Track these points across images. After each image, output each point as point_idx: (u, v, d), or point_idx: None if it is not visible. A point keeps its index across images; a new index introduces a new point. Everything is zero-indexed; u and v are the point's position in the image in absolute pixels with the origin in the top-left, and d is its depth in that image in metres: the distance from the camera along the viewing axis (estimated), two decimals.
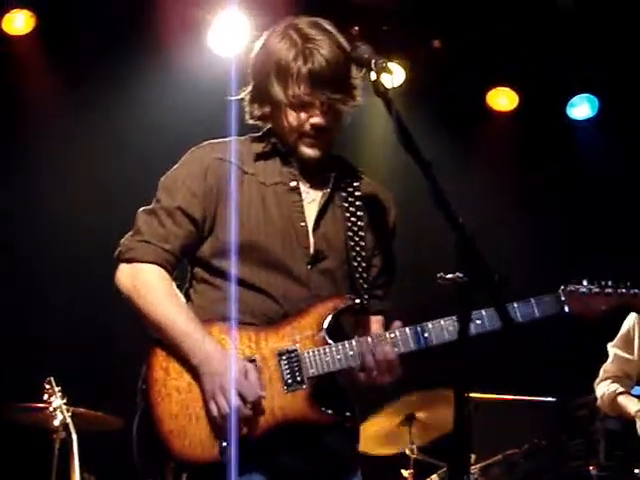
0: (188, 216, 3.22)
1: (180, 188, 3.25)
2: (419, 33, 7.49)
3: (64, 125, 7.05)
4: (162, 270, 3.19)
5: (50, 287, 6.87)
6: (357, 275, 3.25)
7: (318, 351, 3.11)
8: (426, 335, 3.15)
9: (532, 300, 3.22)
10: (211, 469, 3.01)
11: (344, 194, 3.33)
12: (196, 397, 3.07)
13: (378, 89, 3.00)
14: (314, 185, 3.32)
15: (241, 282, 3.17)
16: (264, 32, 3.35)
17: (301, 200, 3.27)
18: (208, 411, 3.04)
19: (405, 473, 6.10)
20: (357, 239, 3.28)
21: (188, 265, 3.32)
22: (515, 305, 3.19)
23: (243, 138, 3.38)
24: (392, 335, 3.16)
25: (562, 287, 3.26)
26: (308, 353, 3.11)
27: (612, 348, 5.94)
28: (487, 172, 7.93)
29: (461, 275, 2.64)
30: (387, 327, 3.28)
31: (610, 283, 3.28)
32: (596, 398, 5.99)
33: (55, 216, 6.96)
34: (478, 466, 6.09)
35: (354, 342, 3.13)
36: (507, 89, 7.94)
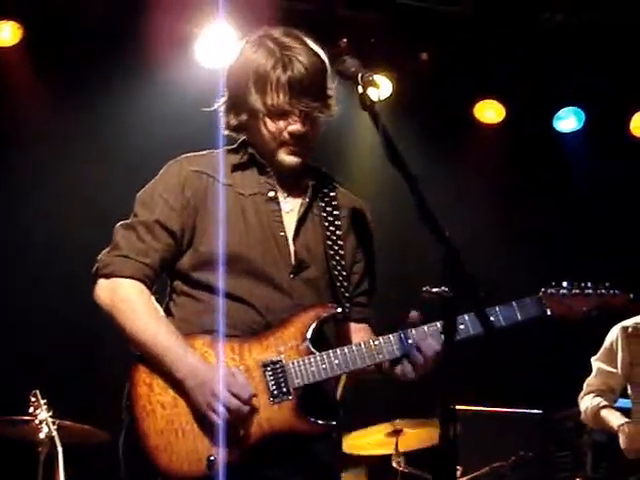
0: (167, 229, 3.21)
1: (158, 202, 3.23)
2: (406, 45, 7.52)
3: (51, 136, 7.04)
4: (141, 285, 3.17)
5: (35, 300, 6.84)
6: (338, 284, 3.25)
7: (303, 361, 3.10)
8: (410, 341, 3.15)
9: (514, 303, 3.22)
10: None
11: (322, 203, 3.33)
12: (182, 412, 3.05)
13: (365, 103, 2.99)
14: (292, 194, 3.31)
15: (224, 294, 3.16)
16: (238, 42, 3.37)
17: (280, 210, 3.26)
18: (198, 424, 3.03)
19: None
20: (336, 248, 3.27)
21: (167, 279, 3.30)
22: (497, 309, 3.18)
23: (219, 151, 3.36)
24: (376, 343, 3.15)
25: (542, 290, 3.27)
26: (293, 363, 3.10)
27: (595, 362, 5.94)
28: (474, 184, 7.95)
29: (447, 289, 2.65)
30: (376, 333, 3.31)
31: (590, 284, 3.30)
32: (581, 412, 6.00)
33: (39, 229, 6.94)
34: (465, 479, 6.10)
35: (339, 351, 3.12)
36: (494, 101, 7.97)
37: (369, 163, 7.26)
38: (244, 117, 3.26)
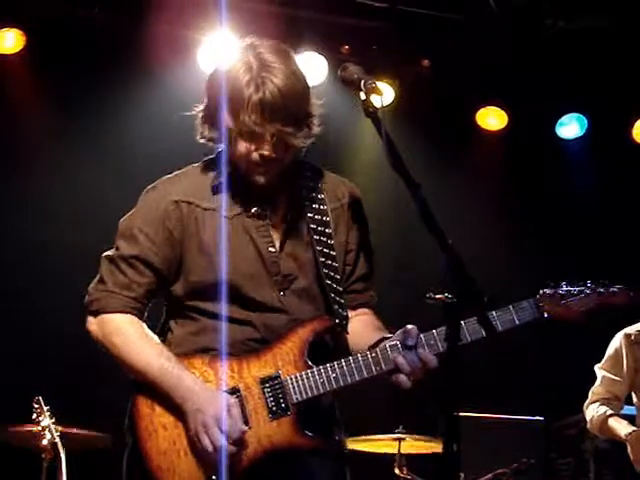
0: (148, 265, 3.19)
1: (137, 236, 3.20)
2: (408, 52, 7.53)
3: (53, 143, 7.05)
4: (130, 316, 3.18)
5: (39, 306, 6.84)
6: (329, 289, 3.21)
7: (301, 376, 3.09)
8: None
9: (511, 307, 3.17)
10: None
11: (307, 203, 3.27)
12: (183, 433, 3.07)
13: (367, 110, 2.99)
14: (275, 205, 3.26)
15: (218, 316, 3.16)
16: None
17: (266, 224, 3.22)
18: (194, 446, 3.04)
19: None
20: (326, 250, 3.24)
21: (163, 299, 3.30)
22: (494, 314, 3.14)
23: (197, 167, 3.32)
24: (374, 355, 3.12)
25: (540, 292, 3.23)
26: (291, 379, 3.10)
27: (600, 370, 5.93)
28: (477, 191, 7.95)
29: (449, 295, 2.65)
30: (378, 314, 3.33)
31: (589, 283, 3.24)
32: (584, 418, 5.99)
33: (44, 234, 6.95)
34: None
35: (336, 364, 3.11)
36: (496, 108, 7.97)
37: (372, 169, 7.26)
38: (217, 131, 3.19)
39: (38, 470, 5.53)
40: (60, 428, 5.50)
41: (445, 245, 2.71)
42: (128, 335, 3.15)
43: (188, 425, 3.04)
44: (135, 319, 3.18)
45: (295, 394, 3.08)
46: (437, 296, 2.88)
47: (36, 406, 5.51)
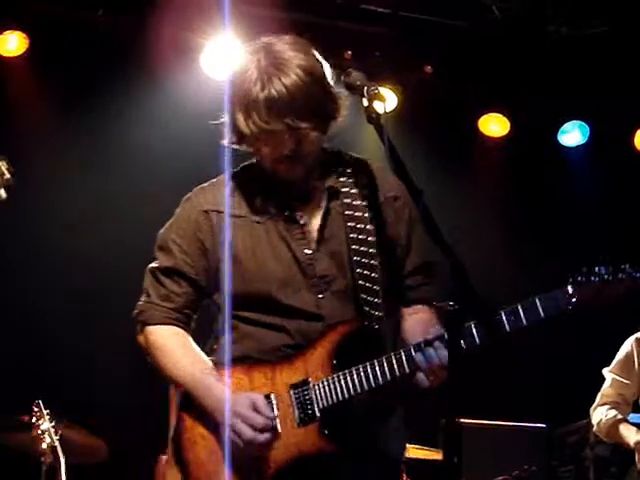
0: (182, 275, 3.22)
1: (172, 248, 3.24)
2: (411, 59, 7.53)
3: (56, 145, 7.06)
4: (172, 327, 3.23)
5: (38, 308, 6.84)
6: (361, 289, 3.13)
7: (327, 381, 3.05)
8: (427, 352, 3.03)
9: (536, 299, 2.98)
10: None
11: (346, 199, 3.21)
12: (221, 441, 3.08)
13: (370, 116, 2.98)
14: (310, 204, 3.22)
15: (255, 322, 3.16)
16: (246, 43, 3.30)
17: (300, 226, 3.18)
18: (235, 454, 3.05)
19: None
20: (364, 248, 3.16)
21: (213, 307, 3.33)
22: (519, 307, 2.97)
23: (234, 173, 3.30)
24: (398, 356, 3.03)
25: (571, 278, 3.05)
26: (318, 385, 3.06)
27: (609, 373, 5.93)
28: (478, 197, 7.95)
29: (452, 303, 2.64)
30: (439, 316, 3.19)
31: (626, 267, 3.05)
32: (586, 425, 5.99)
33: (44, 235, 6.95)
34: None
35: (361, 368, 3.04)
36: (499, 115, 7.97)
37: None
38: (236, 137, 3.18)
39: (37, 474, 5.52)
40: (59, 432, 5.50)
41: (447, 250, 2.70)
42: (166, 346, 3.20)
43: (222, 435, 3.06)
44: (176, 330, 3.22)
45: (321, 400, 3.05)
46: (439, 304, 2.89)
47: (36, 409, 5.50)
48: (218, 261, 3.18)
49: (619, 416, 5.76)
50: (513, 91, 7.73)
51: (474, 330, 2.96)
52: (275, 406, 3.07)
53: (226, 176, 3.27)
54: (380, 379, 3.03)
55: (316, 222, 3.20)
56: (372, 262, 3.16)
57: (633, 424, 5.78)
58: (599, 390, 5.95)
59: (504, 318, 2.95)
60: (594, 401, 5.94)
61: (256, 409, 3.02)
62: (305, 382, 3.06)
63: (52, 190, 7.05)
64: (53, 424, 5.48)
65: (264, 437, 3.01)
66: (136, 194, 7.06)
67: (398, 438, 3.24)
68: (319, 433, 3.03)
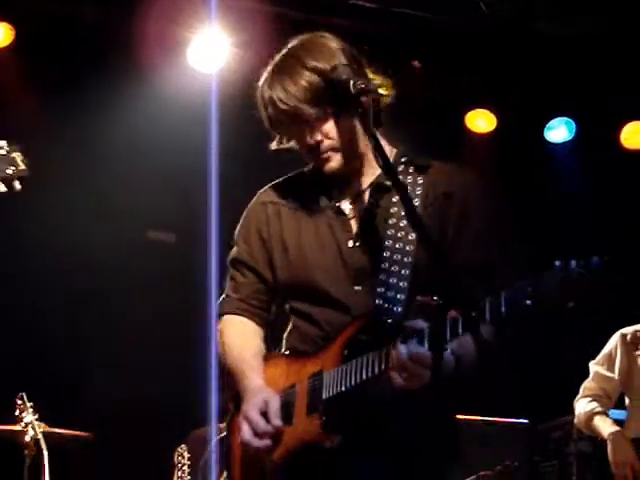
0: (246, 265, 3.35)
1: (238, 240, 3.40)
2: (398, 54, 7.52)
3: (42, 138, 7.03)
4: (239, 317, 3.35)
5: (27, 303, 6.84)
6: (389, 287, 3.09)
7: (335, 372, 3.05)
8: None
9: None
10: None
11: (394, 198, 3.18)
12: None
13: (357, 110, 3.01)
14: (356, 199, 3.25)
15: (299, 313, 3.24)
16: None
17: (347, 219, 3.22)
18: None
19: None
20: (399, 245, 3.13)
21: None
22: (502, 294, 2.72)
23: (300, 170, 3.39)
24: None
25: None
26: (328, 375, 3.07)
27: (594, 366, 5.98)
28: None
29: (436, 297, 2.64)
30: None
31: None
32: (568, 421, 6.02)
33: (24, 233, 6.94)
34: None
35: (359, 359, 2.99)
36: (485, 111, 7.98)
37: None
38: (279, 143, 3.32)
39: (21, 466, 5.53)
40: (43, 425, 5.51)
41: (430, 246, 2.71)
42: (226, 335, 3.35)
43: None
44: (240, 319, 3.34)
45: (326, 390, 3.05)
46: (423, 298, 2.89)
47: (19, 402, 5.51)
48: (272, 252, 3.29)
49: (598, 408, 5.80)
50: (500, 87, 7.74)
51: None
52: (296, 396, 3.12)
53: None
54: (369, 372, 2.96)
55: (360, 215, 3.23)
56: (405, 260, 3.12)
57: (615, 422, 5.81)
58: None
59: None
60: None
61: (265, 413, 3.08)
62: (319, 372, 3.09)
63: (37, 184, 7.01)
64: (36, 417, 5.49)
65: (261, 443, 3.06)
66: (121, 187, 7.06)
67: (416, 428, 3.11)
68: (319, 423, 3.03)
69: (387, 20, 7.19)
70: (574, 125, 7.97)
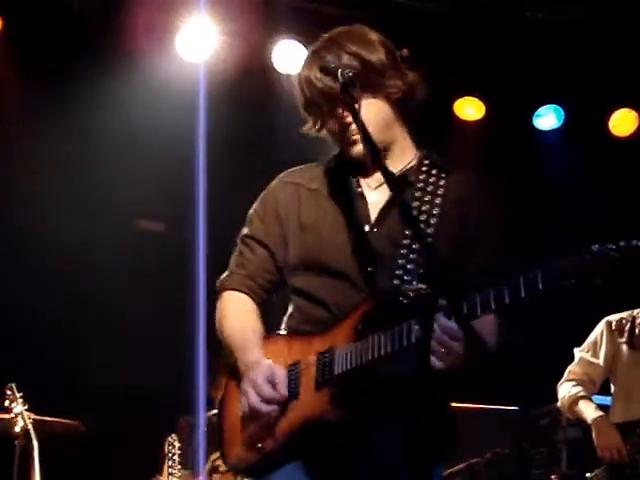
0: (259, 242, 3.36)
1: (253, 217, 3.41)
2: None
3: (31, 128, 7.02)
4: (240, 294, 3.36)
5: (19, 293, 6.83)
6: (406, 272, 3.11)
7: (349, 347, 3.05)
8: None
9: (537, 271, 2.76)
10: (255, 470, 3.18)
11: (417, 193, 3.24)
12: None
13: (344, 99, 3.03)
14: (378, 188, 3.27)
15: (304, 295, 3.24)
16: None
17: (366, 204, 3.25)
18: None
19: None
20: (419, 236, 3.07)
21: None
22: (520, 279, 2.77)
23: (322, 160, 3.43)
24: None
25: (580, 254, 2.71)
26: (341, 351, 3.07)
27: (579, 352, 6.01)
28: None
29: (424, 286, 2.65)
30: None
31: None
32: (557, 408, 6.04)
33: (21, 219, 6.93)
34: None
35: (376, 336, 2.99)
36: (474, 99, 7.98)
37: None
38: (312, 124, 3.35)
39: (11, 456, 5.52)
40: (33, 415, 5.50)
41: (419, 235, 2.72)
42: (227, 310, 3.36)
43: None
44: (243, 296, 3.35)
45: (338, 366, 3.06)
46: (412, 287, 2.89)
47: (9, 393, 5.50)
48: (287, 230, 3.31)
49: (582, 393, 5.83)
50: (489, 75, 7.74)
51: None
52: (302, 372, 3.12)
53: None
54: (389, 348, 2.97)
55: (381, 204, 3.24)
56: (424, 248, 3.07)
57: (600, 407, 5.84)
58: None
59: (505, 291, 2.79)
60: None
61: (272, 381, 3.10)
62: (331, 349, 3.10)
63: (26, 172, 7.02)
64: (26, 407, 5.48)
65: (267, 408, 3.08)
66: (110, 174, 7.05)
67: (424, 409, 3.14)
68: (329, 398, 3.04)
69: (375, 7, 7.17)
70: (563, 112, 7.98)
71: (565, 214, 7.81)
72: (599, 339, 5.94)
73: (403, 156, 3.36)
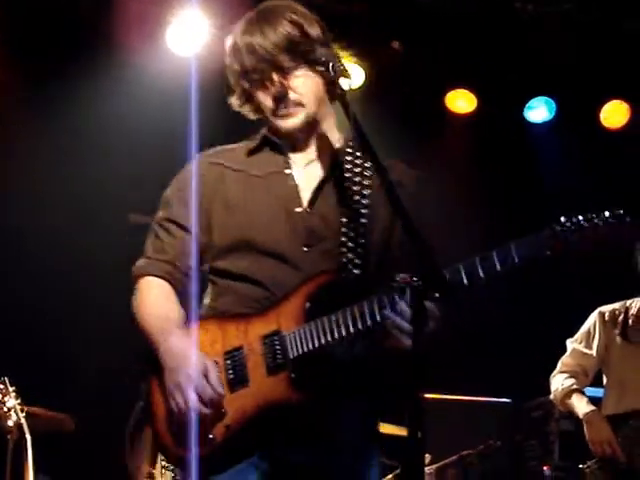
0: (180, 226, 3.26)
1: (172, 200, 3.30)
2: (378, 34, 7.51)
3: (22, 122, 7.00)
4: (159, 280, 3.24)
5: (10, 286, 6.81)
6: (349, 250, 3.13)
7: (299, 330, 3.03)
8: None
9: (511, 244, 3.06)
10: (212, 465, 3.05)
11: (348, 172, 3.23)
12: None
13: (336, 92, 3.02)
14: (311, 168, 3.26)
15: (233, 276, 3.17)
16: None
17: (295, 185, 3.21)
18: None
19: None
20: (354, 215, 3.16)
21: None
22: (494, 253, 3.05)
23: (244, 141, 3.38)
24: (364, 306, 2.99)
25: (549, 227, 3.08)
26: (291, 334, 3.04)
27: (572, 343, 6.00)
28: (445, 174, 7.97)
29: (415, 278, 2.65)
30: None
31: (599, 214, 3.07)
32: (550, 400, 6.05)
33: (13, 214, 6.91)
34: (434, 467, 6.13)
35: (333, 317, 3.00)
36: (466, 91, 7.98)
37: None
38: (242, 100, 3.29)
39: (3, 451, 5.52)
40: (26, 409, 5.49)
41: (409, 226, 2.72)
42: (145, 297, 3.24)
43: (166, 384, 3.05)
44: (162, 283, 3.24)
45: (292, 349, 3.03)
46: (402, 278, 2.89)
47: (1, 387, 5.49)
48: (212, 212, 3.23)
49: (575, 386, 5.83)
50: (480, 68, 7.74)
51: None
52: (245, 358, 3.06)
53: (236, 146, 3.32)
54: (350, 328, 2.98)
55: (314, 182, 3.23)
56: (361, 229, 3.16)
57: (592, 399, 5.85)
58: None
59: (478, 264, 2.96)
60: None
61: (207, 377, 3.00)
62: (277, 332, 3.06)
63: (16, 169, 6.99)
64: (19, 401, 5.47)
65: (208, 411, 3.00)
66: (103, 168, 7.03)
67: (381, 392, 3.20)
68: (287, 382, 3.02)
69: (367, 0, 7.17)
70: (554, 105, 7.99)
71: (557, 206, 7.81)
72: (592, 330, 5.94)
73: (330, 136, 3.30)
